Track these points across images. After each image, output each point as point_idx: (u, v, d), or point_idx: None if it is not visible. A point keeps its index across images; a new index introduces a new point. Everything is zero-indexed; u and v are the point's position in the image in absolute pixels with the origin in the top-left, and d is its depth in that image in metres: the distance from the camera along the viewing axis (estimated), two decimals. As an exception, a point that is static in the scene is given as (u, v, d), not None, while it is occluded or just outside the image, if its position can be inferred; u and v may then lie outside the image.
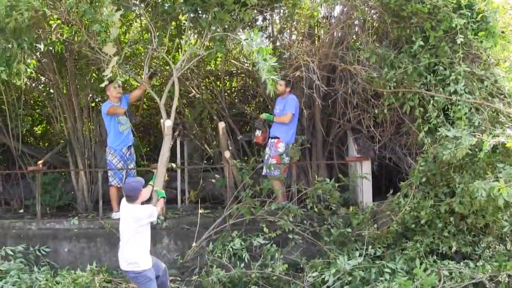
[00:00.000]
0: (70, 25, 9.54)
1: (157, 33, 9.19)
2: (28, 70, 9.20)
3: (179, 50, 10.69)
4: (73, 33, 10.04)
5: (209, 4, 8.42)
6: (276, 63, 7.39)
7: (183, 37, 9.57)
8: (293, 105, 9.83)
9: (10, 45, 8.50)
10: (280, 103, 10.03)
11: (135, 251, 7.25)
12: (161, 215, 9.35)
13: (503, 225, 8.07)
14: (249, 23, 9.20)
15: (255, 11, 9.07)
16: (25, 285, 8.30)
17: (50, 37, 9.84)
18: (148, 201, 7.89)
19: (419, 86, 8.63)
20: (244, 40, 7.68)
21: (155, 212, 7.38)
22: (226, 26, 8.76)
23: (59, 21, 9.19)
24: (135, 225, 7.23)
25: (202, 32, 9.01)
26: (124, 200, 7.44)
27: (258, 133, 10.12)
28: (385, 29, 9.39)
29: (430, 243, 8.23)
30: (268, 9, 9.68)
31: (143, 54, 11.19)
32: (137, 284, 7.44)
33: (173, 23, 10.10)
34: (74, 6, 8.39)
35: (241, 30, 7.84)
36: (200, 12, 8.80)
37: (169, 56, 9.63)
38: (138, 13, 10.08)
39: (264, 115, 10.14)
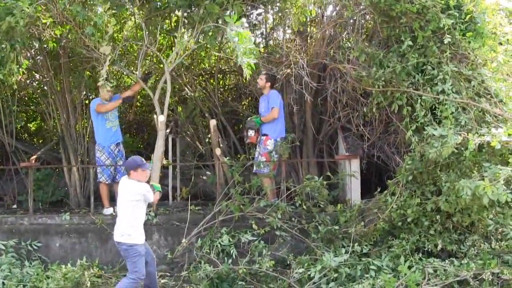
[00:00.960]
0: (63, 24, 9.60)
1: (150, 30, 9.25)
2: (21, 69, 9.29)
3: (173, 47, 10.74)
4: (66, 31, 10.11)
5: None
6: (253, 46, 7.46)
7: (176, 33, 9.61)
8: (276, 100, 9.88)
9: (3, 46, 8.57)
10: (263, 101, 10.08)
11: (129, 223, 7.44)
12: (151, 211, 9.45)
13: (488, 223, 8.08)
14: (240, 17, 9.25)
15: (247, 5, 9.11)
16: (16, 279, 8.37)
17: (43, 34, 9.92)
18: None
19: (407, 85, 8.69)
20: (228, 28, 7.76)
21: (150, 195, 7.51)
22: (219, 21, 8.78)
23: (51, 19, 9.23)
24: (129, 197, 7.43)
25: (195, 26, 9.08)
26: (122, 178, 7.66)
27: (251, 133, 10.13)
28: (374, 29, 9.47)
29: (416, 241, 8.28)
30: (260, 3, 9.70)
31: (136, 51, 11.25)
32: (127, 258, 7.56)
33: (167, 20, 10.18)
34: (66, 7, 8.47)
35: (233, 24, 7.86)
36: (193, 6, 8.83)
37: (163, 54, 9.71)
38: (131, 11, 10.10)
39: (253, 119, 10.13)
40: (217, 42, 9.32)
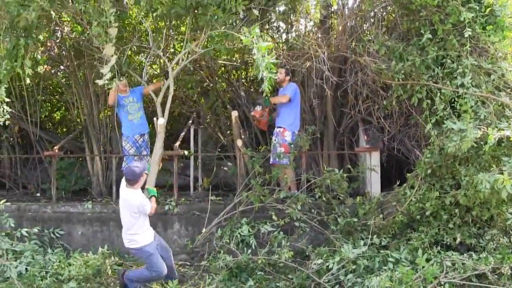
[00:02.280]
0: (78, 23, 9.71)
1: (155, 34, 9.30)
2: (39, 63, 9.42)
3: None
4: (81, 28, 10.22)
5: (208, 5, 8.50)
6: (275, 60, 7.43)
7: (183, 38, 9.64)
8: (292, 90, 9.97)
9: (20, 42, 8.71)
10: (282, 92, 10.17)
11: (132, 230, 7.56)
12: (173, 201, 9.55)
13: (507, 217, 8.04)
14: (251, 20, 9.24)
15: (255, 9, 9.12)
16: (39, 266, 8.54)
17: (62, 29, 10.06)
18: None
19: (427, 78, 8.68)
20: (244, 35, 7.76)
21: (147, 207, 7.56)
22: (227, 25, 8.78)
23: (67, 16, 9.38)
24: (130, 209, 7.51)
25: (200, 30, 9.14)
26: (123, 181, 7.68)
27: (257, 107, 10.19)
28: (394, 22, 9.46)
29: (435, 234, 8.27)
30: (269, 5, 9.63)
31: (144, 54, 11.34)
32: (142, 259, 7.78)
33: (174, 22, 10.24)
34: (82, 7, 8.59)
35: (243, 29, 7.90)
36: (198, 11, 8.84)
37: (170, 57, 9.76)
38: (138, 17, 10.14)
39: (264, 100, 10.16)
40: (226, 44, 9.27)
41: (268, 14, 9.62)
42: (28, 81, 9.09)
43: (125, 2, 9.25)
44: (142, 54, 11.57)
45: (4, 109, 8.96)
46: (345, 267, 7.88)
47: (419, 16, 8.77)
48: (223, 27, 8.55)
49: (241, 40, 7.79)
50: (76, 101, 11.84)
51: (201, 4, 8.50)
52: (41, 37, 9.51)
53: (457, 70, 8.34)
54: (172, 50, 9.91)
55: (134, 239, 7.57)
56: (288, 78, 10.05)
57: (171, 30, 10.25)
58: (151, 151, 9.58)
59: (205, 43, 9.40)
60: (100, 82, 8.80)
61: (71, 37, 10.53)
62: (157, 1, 8.41)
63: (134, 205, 7.48)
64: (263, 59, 7.33)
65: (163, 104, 9.11)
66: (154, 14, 8.83)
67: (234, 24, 8.87)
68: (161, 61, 11.34)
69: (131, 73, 10.08)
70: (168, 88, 9.18)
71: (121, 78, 9.73)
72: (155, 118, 9.49)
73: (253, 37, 7.54)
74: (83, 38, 10.31)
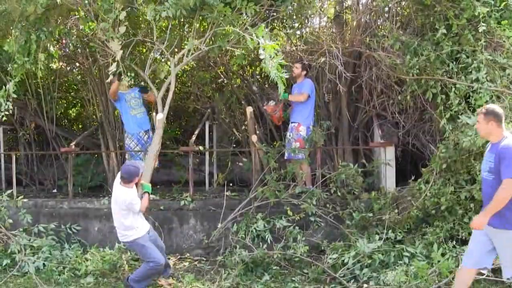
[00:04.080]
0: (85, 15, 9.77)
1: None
2: (53, 59, 9.49)
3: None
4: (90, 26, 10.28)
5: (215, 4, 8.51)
6: (283, 60, 7.46)
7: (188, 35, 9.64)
8: (308, 87, 9.94)
9: (31, 36, 8.78)
10: (298, 88, 10.11)
11: (122, 225, 7.65)
12: (188, 197, 9.62)
13: (522, 212, 8.08)
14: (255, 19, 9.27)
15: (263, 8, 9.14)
16: (56, 261, 8.64)
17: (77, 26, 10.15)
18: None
19: (441, 73, 8.70)
20: (248, 35, 7.81)
21: (136, 206, 7.60)
22: (235, 24, 8.77)
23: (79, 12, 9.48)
24: (119, 206, 7.60)
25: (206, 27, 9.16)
26: (118, 177, 7.78)
27: (271, 102, 10.21)
28: (409, 17, 9.46)
29: (450, 229, 8.25)
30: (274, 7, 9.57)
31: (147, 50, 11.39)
32: (136, 252, 7.91)
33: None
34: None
35: (249, 28, 7.94)
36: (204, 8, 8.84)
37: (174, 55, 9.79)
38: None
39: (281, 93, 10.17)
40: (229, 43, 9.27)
41: (277, 13, 9.58)
42: (40, 74, 9.15)
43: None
44: (147, 48, 11.54)
45: (8, 105, 9.03)
46: (361, 261, 7.92)
47: (433, 11, 8.78)
48: (230, 26, 8.59)
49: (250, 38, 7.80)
50: (91, 97, 11.92)
51: (207, 3, 8.53)
52: (56, 32, 9.53)
53: (472, 65, 8.36)
54: (176, 48, 9.88)
55: (126, 234, 7.66)
56: (304, 73, 10.01)
57: (177, 27, 10.26)
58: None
59: (211, 40, 9.40)
60: (109, 79, 8.87)
61: (84, 34, 10.56)
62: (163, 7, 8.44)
63: (123, 203, 7.54)
64: (270, 59, 7.35)
65: (164, 100, 9.11)
66: (161, 17, 8.83)
67: (243, 23, 8.83)
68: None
69: (134, 67, 10.12)
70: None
71: (124, 78, 9.74)
72: (154, 113, 9.52)
73: (259, 37, 7.58)
74: (90, 33, 10.31)
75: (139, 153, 10.16)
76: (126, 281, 7.80)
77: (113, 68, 8.87)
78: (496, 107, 6.38)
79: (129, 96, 10.24)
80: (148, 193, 8.02)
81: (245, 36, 7.90)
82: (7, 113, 9.07)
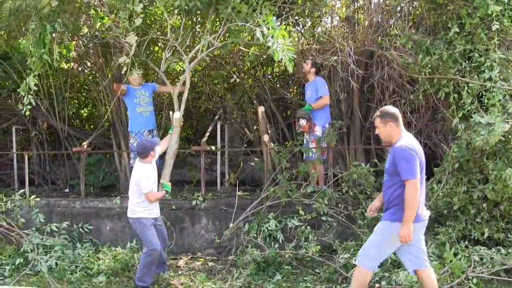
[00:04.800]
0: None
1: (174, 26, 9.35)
2: (70, 53, 9.51)
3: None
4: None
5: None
6: (291, 44, 7.48)
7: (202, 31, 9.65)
8: (324, 88, 9.92)
9: (46, 29, 8.82)
10: (310, 87, 10.10)
11: (133, 200, 7.82)
12: (200, 196, 9.62)
13: (536, 212, 8.06)
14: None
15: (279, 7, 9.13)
16: (68, 260, 8.67)
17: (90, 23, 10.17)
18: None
19: (454, 72, 8.65)
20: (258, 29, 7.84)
21: (144, 187, 7.70)
22: (249, 20, 8.76)
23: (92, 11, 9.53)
24: (132, 181, 7.84)
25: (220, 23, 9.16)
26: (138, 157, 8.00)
27: (303, 122, 10.09)
28: (421, 16, 9.43)
29: (462, 229, 8.22)
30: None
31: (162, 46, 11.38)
32: (138, 232, 7.95)
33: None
34: None
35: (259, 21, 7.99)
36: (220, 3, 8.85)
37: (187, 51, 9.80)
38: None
39: (304, 109, 10.13)
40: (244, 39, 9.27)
41: (290, 10, 9.58)
42: (56, 65, 9.17)
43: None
44: (159, 47, 11.54)
45: (29, 98, 9.04)
46: (372, 261, 7.89)
47: (446, 10, 8.74)
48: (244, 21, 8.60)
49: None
50: (103, 97, 11.94)
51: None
52: (70, 25, 9.56)
53: (485, 63, 8.30)
54: (188, 43, 9.89)
55: (134, 209, 7.83)
56: (313, 70, 9.99)
57: (191, 23, 10.25)
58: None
59: (224, 36, 9.41)
60: (121, 63, 8.91)
61: (97, 30, 10.57)
62: None
63: (135, 178, 7.77)
64: (278, 43, 7.37)
65: (180, 99, 9.13)
66: (174, 8, 8.82)
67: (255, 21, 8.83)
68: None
69: (149, 63, 10.13)
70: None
71: (137, 70, 9.74)
72: (171, 112, 9.52)
73: (269, 27, 7.61)
74: (103, 29, 10.32)
75: None
76: (135, 284, 7.86)
77: (123, 60, 8.89)
78: (391, 108, 6.47)
79: (139, 93, 10.17)
80: (167, 191, 8.14)
81: (257, 31, 7.94)
82: (29, 107, 9.06)
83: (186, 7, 8.61)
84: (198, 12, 9.58)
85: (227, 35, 9.46)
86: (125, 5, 8.65)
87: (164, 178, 8.33)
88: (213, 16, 9.46)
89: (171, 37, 9.37)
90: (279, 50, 7.47)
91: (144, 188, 7.68)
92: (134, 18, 8.71)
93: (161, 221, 8.24)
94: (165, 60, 9.65)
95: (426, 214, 6.34)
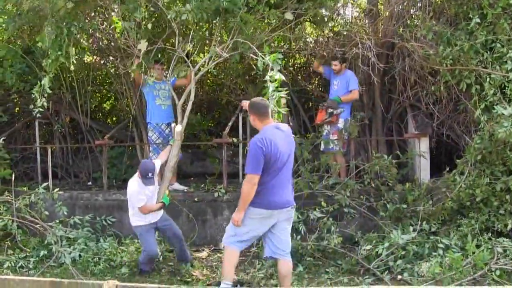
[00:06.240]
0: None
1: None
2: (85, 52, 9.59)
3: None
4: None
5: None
6: (285, 95, 7.53)
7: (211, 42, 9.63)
8: (355, 81, 9.91)
9: (63, 30, 8.89)
10: (340, 79, 10.06)
11: (129, 211, 8.16)
12: (222, 188, 9.68)
13: (559, 203, 8.00)
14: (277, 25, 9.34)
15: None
16: (92, 252, 8.71)
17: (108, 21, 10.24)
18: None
19: (475, 63, 8.62)
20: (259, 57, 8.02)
21: (136, 202, 7.93)
22: (253, 29, 8.82)
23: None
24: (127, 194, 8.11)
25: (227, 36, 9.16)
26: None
27: (334, 112, 10.10)
28: (442, 6, 9.38)
29: (485, 221, 8.21)
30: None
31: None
32: (137, 236, 8.28)
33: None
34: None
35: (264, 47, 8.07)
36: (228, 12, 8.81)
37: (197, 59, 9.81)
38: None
39: (333, 100, 10.11)
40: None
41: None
42: (72, 68, 9.23)
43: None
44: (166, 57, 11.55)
45: (43, 100, 9.11)
46: (394, 253, 7.89)
47: (467, 0, 8.69)
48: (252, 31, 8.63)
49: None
50: (125, 91, 11.96)
51: (229, 10, 8.57)
52: (86, 27, 9.63)
53: (507, 54, 8.25)
54: (195, 52, 9.94)
55: (131, 218, 8.18)
56: (344, 65, 9.98)
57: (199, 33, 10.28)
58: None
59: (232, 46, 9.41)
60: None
61: (113, 32, 10.62)
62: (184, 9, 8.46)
63: (128, 192, 8.06)
64: (273, 92, 7.42)
65: (183, 111, 9.13)
66: (182, 18, 8.82)
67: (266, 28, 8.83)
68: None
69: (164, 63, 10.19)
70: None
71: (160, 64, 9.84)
72: (173, 124, 9.54)
73: (273, 60, 7.74)
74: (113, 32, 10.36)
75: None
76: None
77: (134, 66, 9.11)
78: (256, 100, 6.56)
79: (159, 86, 10.19)
80: (164, 204, 8.23)
81: (258, 56, 8.13)
82: (41, 109, 9.14)
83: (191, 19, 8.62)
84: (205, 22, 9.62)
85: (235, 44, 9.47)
86: (131, 14, 8.72)
87: (162, 192, 8.37)
88: (221, 26, 9.44)
89: (179, 46, 9.34)
90: (273, 102, 7.42)
91: (136, 203, 7.92)
92: (145, 24, 8.76)
93: (168, 219, 8.34)
94: (172, 69, 9.64)
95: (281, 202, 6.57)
